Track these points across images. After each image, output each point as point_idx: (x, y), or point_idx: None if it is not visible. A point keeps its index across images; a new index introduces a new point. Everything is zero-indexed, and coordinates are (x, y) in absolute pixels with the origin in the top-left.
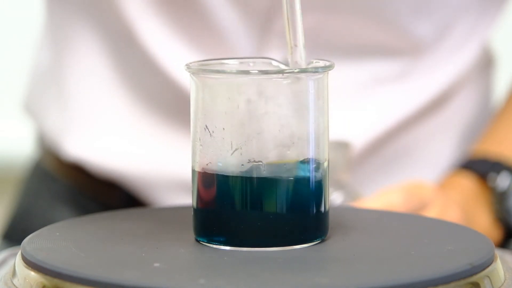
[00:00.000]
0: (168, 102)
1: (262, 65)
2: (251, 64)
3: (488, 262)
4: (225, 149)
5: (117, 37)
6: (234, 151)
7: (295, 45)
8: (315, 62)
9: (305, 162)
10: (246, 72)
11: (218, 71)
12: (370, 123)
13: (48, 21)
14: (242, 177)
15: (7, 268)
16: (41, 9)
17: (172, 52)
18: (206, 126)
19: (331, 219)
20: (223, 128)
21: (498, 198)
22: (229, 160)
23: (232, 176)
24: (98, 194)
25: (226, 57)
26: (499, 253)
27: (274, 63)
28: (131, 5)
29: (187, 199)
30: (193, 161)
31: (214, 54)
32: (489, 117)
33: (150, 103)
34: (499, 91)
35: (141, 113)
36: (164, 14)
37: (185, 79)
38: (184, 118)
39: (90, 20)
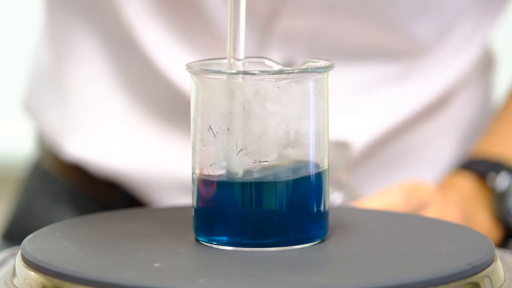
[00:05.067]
0: (167, 103)
1: (257, 65)
2: (246, 64)
3: (488, 262)
4: (230, 149)
5: (116, 39)
6: (239, 151)
7: (237, 59)
8: (313, 62)
9: (305, 162)
10: (249, 73)
11: (220, 72)
12: (370, 124)
13: (47, 22)
14: (246, 178)
15: (7, 268)
16: (41, 9)
17: (171, 54)
18: (210, 127)
19: (331, 219)
20: (228, 129)
21: (497, 198)
22: (234, 161)
23: (237, 177)
24: (98, 194)
25: (224, 57)
26: (499, 253)
27: (268, 62)
28: (130, 7)
29: (187, 199)
30: (194, 161)
31: (214, 56)
32: (489, 118)
33: (149, 104)
34: (499, 92)
35: (141, 114)
36: (164, 17)
37: (184, 81)
38: (183, 119)
39: (89, 21)
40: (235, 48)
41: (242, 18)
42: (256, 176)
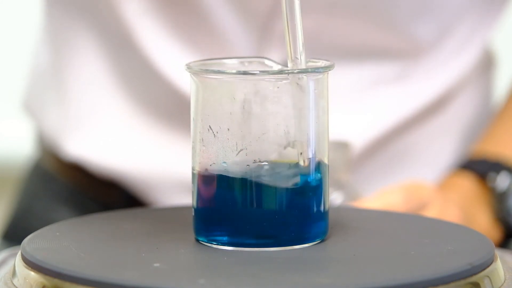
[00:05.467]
0: (166, 103)
1: (257, 65)
2: (246, 64)
3: (488, 262)
4: (230, 149)
5: (115, 40)
6: (239, 151)
7: (296, 58)
8: (314, 62)
9: (305, 162)
10: (249, 73)
11: (220, 72)
12: (370, 124)
13: (47, 22)
14: (246, 178)
15: (7, 268)
16: (41, 9)
17: (171, 55)
18: (210, 127)
19: (331, 219)
20: (228, 129)
21: (497, 198)
22: (234, 161)
23: (237, 177)
24: (98, 194)
25: (224, 57)
26: (499, 253)
27: (268, 62)
28: (130, 7)
29: (187, 199)
30: (194, 161)
31: (214, 56)
32: (489, 118)
33: (149, 104)
34: (499, 91)
35: (140, 114)
36: (163, 17)
37: (184, 81)
38: (183, 119)
39: (89, 22)
40: (295, 47)
41: (298, 16)
42: (256, 176)
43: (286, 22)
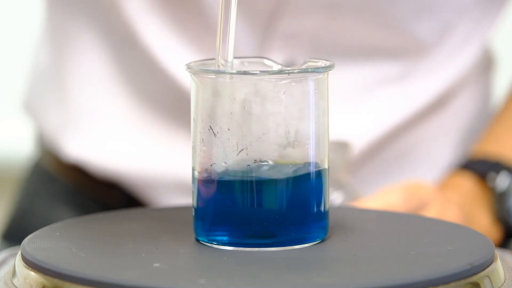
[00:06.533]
0: (168, 102)
1: (257, 65)
2: (246, 64)
3: (488, 262)
4: (230, 149)
5: (117, 38)
6: (240, 151)
7: (225, 61)
8: (314, 62)
9: (305, 161)
10: (249, 73)
11: (220, 72)
12: (371, 124)
13: (48, 21)
14: (247, 178)
15: (7, 268)
16: (41, 8)
17: (173, 53)
18: (211, 127)
19: (331, 219)
20: (228, 129)
21: (497, 198)
22: (234, 161)
23: (237, 177)
24: (98, 194)
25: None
26: (499, 253)
27: (268, 62)
28: (132, 5)
29: (187, 199)
30: (194, 161)
31: (215, 55)
32: (489, 118)
33: (150, 103)
34: (499, 92)
35: (141, 113)
36: (165, 15)
37: (186, 80)
38: (184, 119)
39: (90, 20)
40: (224, 49)
41: (233, 18)
42: (256, 176)
43: (220, 24)
